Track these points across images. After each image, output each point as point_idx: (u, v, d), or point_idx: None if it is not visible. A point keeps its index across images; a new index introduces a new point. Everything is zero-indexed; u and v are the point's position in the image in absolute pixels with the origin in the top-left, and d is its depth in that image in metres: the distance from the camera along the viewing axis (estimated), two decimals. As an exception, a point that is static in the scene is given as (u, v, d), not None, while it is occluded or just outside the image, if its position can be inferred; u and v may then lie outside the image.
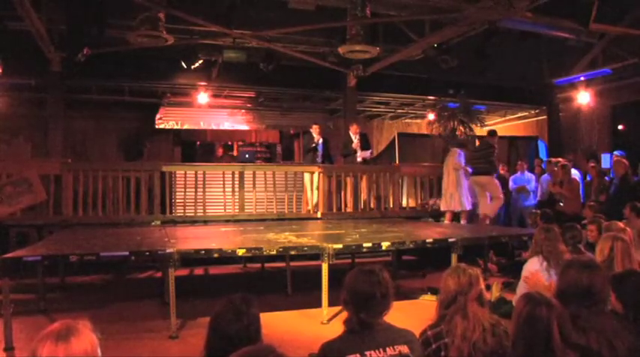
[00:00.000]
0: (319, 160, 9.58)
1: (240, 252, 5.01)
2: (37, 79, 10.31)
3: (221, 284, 7.48)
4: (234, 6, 9.25)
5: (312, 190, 9.12)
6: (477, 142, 10.58)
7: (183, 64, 10.22)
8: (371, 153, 10.32)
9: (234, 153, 13.12)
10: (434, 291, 5.95)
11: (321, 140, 9.72)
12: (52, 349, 1.55)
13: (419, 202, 9.79)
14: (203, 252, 4.95)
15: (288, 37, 10.02)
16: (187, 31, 9.39)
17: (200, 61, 10.18)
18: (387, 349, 2.27)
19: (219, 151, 12.47)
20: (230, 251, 5.03)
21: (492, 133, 9.57)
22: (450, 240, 5.59)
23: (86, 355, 1.62)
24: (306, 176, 9.16)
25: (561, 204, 9.03)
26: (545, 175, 10.44)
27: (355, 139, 9.86)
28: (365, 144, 10.04)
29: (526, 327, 2.17)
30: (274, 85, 11.56)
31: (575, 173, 10.36)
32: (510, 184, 10.93)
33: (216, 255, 5.03)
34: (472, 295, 2.52)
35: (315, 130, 9.78)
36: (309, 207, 9.09)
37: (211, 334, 2.09)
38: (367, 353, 2.24)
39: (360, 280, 2.35)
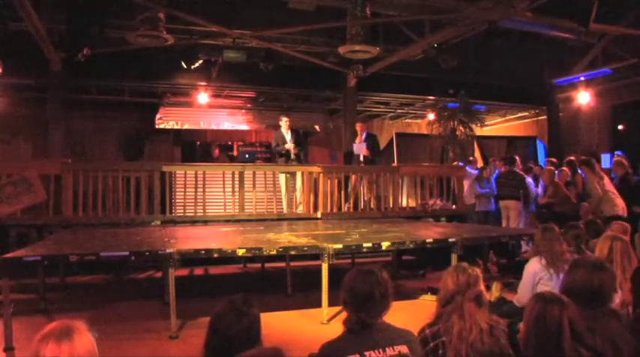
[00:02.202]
0: (292, 156, 9.50)
1: (240, 252, 5.01)
2: (37, 79, 10.31)
3: (221, 284, 7.49)
4: (234, 6, 9.27)
5: (286, 189, 9.07)
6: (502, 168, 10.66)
7: (183, 64, 10.22)
8: (369, 152, 9.84)
9: (234, 153, 13.11)
10: (434, 291, 5.95)
11: (289, 137, 9.42)
12: (56, 349, 1.56)
13: (419, 202, 9.78)
14: (203, 252, 4.95)
15: (288, 37, 10.02)
16: (187, 31, 9.39)
17: (200, 61, 10.18)
18: (387, 349, 2.27)
19: (216, 152, 12.41)
20: (230, 251, 5.03)
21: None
22: (450, 240, 5.59)
23: (89, 355, 1.63)
24: (282, 177, 9.06)
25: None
26: None
27: (359, 138, 9.88)
28: (370, 144, 9.82)
29: (537, 326, 2.15)
30: (274, 85, 11.56)
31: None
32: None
33: (216, 255, 5.03)
34: (470, 295, 2.51)
35: (285, 124, 9.42)
36: (284, 207, 8.98)
37: (211, 334, 2.09)
38: (367, 353, 2.24)
39: (359, 280, 2.35)
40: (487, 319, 2.49)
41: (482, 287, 2.61)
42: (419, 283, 7.18)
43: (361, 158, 9.79)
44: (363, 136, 9.90)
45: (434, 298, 2.94)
